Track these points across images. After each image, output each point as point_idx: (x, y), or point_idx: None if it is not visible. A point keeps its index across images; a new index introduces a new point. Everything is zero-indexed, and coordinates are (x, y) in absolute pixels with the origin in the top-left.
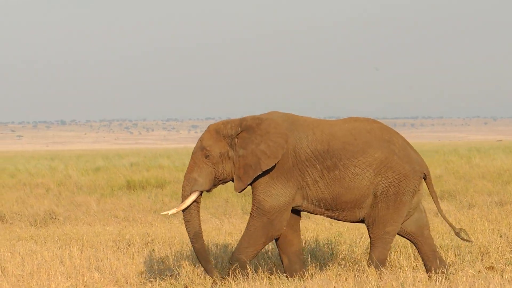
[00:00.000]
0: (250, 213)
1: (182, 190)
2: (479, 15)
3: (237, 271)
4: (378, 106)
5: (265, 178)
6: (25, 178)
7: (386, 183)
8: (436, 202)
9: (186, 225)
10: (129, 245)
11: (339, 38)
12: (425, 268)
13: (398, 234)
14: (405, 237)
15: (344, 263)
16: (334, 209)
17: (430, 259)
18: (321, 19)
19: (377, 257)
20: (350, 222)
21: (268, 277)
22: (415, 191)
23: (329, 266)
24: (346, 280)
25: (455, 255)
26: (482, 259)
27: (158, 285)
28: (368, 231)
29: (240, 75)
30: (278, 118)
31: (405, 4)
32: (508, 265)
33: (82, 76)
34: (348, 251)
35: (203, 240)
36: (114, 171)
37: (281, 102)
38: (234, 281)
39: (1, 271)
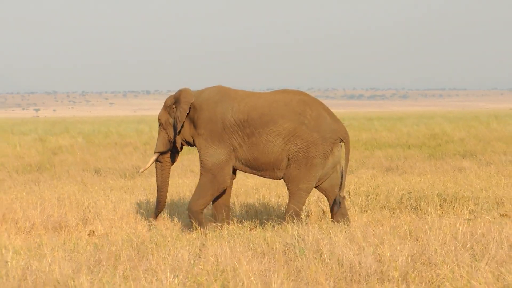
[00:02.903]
0: (200, 172)
1: None
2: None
3: (191, 219)
4: (410, 79)
5: (203, 142)
6: (116, 138)
7: (295, 149)
8: (346, 163)
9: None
10: None
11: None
12: (331, 219)
13: (316, 189)
14: (320, 192)
15: (381, 210)
16: (257, 169)
17: (336, 213)
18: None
19: (290, 209)
20: (274, 179)
21: (318, 223)
22: (326, 155)
23: (368, 213)
24: (382, 225)
25: (475, 204)
26: (497, 208)
27: (227, 229)
28: (286, 187)
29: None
30: (211, 90)
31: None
32: None
33: (166, 52)
34: (385, 200)
35: (162, 193)
36: None
37: (298, 78)
38: (290, 226)
39: (97, 215)
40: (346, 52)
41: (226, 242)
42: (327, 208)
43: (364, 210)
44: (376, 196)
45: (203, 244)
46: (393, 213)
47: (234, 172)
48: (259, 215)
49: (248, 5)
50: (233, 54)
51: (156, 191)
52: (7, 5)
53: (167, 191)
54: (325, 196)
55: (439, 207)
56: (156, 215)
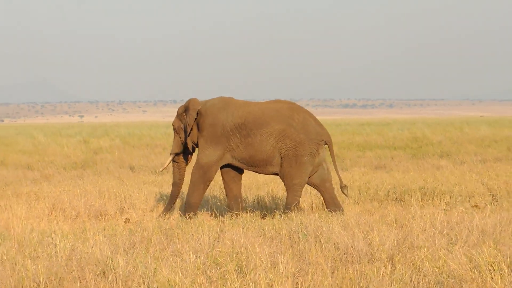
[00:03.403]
0: (192, 169)
1: None
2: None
3: (186, 210)
4: (396, 91)
5: (203, 143)
6: (148, 141)
7: (285, 148)
8: (333, 161)
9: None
10: (221, 188)
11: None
12: (327, 209)
13: (308, 184)
14: (313, 187)
15: (371, 202)
16: (252, 165)
17: (329, 204)
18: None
19: (289, 202)
20: (267, 174)
21: (318, 213)
22: (313, 153)
23: (360, 204)
24: (372, 214)
25: (450, 197)
26: (469, 200)
27: (241, 218)
28: (283, 183)
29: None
30: (216, 100)
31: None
32: (488, 205)
33: (188, 65)
34: (374, 193)
35: (178, 189)
36: None
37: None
38: (294, 214)
39: (132, 206)
40: (342, 66)
41: (241, 228)
42: None
43: (357, 202)
44: (367, 190)
45: (221, 230)
46: (381, 204)
47: (241, 171)
48: (269, 205)
49: (255, 15)
50: (246, 67)
51: (172, 186)
52: (58, 31)
53: (181, 187)
54: (317, 190)
55: (420, 199)
56: (167, 210)
